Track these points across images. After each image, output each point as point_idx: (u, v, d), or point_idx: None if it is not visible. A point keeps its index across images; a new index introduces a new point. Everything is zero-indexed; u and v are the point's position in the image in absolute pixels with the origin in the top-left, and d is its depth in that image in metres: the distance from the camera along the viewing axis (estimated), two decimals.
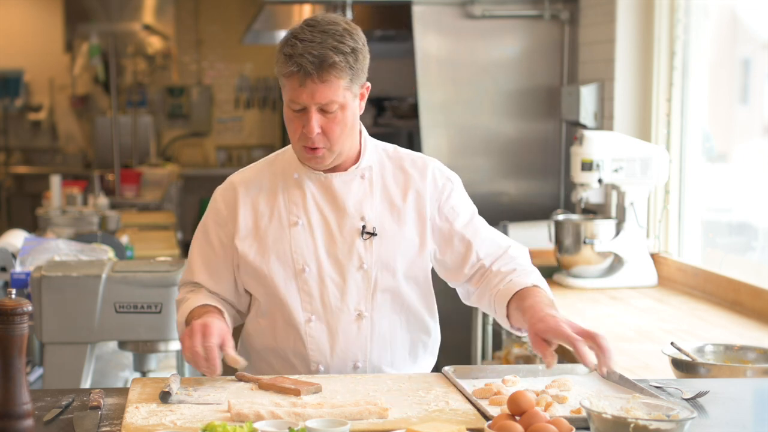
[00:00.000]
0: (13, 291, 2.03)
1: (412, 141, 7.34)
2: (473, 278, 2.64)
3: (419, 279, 2.62)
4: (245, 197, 2.60)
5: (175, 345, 3.48)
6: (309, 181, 2.59)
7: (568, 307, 4.11)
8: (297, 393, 2.28)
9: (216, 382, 2.37)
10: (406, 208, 2.59)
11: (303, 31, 2.44)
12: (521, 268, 2.60)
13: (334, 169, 2.58)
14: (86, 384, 3.41)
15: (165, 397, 2.23)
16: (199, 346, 2.31)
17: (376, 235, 2.56)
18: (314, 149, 2.49)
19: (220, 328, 2.38)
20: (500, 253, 2.62)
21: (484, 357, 4.81)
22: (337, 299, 2.56)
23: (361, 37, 2.49)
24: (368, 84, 2.54)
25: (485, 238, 2.63)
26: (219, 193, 2.65)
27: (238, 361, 2.35)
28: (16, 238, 4.48)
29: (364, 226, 2.56)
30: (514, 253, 2.63)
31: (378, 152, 2.63)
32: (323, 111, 2.45)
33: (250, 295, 2.65)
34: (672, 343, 2.70)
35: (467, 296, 2.71)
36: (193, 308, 2.52)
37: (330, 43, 2.42)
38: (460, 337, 5.09)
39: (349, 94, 2.47)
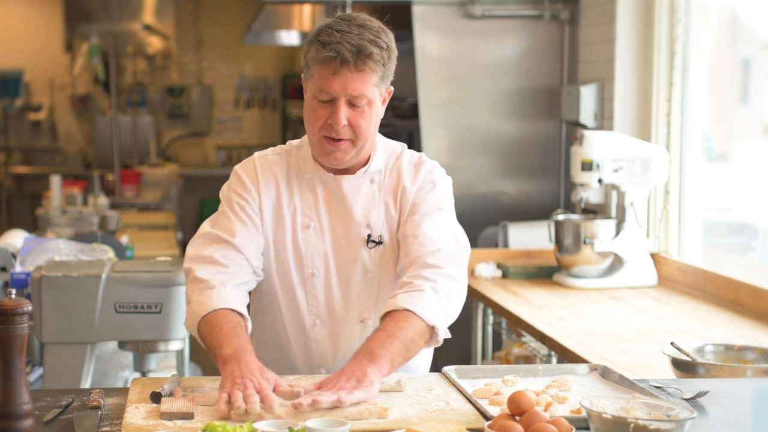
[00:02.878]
0: (13, 291, 2.03)
1: (412, 141, 7.32)
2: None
3: None
4: (265, 182, 2.56)
5: (174, 345, 3.47)
6: (320, 182, 2.57)
7: (568, 307, 4.11)
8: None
9: (216, 383, 2.37)
10: (398, 211, 2.57)
11: (339, 24, 2.44)
12: (418, 282, 2.44)
13: (344, 171, 2.57)
14: (86, 384, 3.40)
15: (156, 397, 2.22)
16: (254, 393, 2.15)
17: (381, 243, 2.55)
18: (337, 141, 2.47)
19: (260, 369, 2.25)
20: (423, 256, 2.47)
21: (484, 357, 4.80)
22: (341, 305, 2.56)
23: (393, 39, 2.50)
24: (391, 88, 2.54)
25: (419, 234, 2.49)
26: (242, 168, 2.60)
27: (297, 393, 2.20)
28: (16, 238, 4.47)
29: (369, 235, 2.55)
30: (435, 259, 2.46)
31: (386, 155, 2.61)
32: (351, 105, 2.44)
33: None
34: (672, 343, 2.69)
35: None
36: (216, 313, 2.40)
37: (367, 36, 2.43)
38: (460, 337, 5.08)
39: (377, 92, 2.47)
